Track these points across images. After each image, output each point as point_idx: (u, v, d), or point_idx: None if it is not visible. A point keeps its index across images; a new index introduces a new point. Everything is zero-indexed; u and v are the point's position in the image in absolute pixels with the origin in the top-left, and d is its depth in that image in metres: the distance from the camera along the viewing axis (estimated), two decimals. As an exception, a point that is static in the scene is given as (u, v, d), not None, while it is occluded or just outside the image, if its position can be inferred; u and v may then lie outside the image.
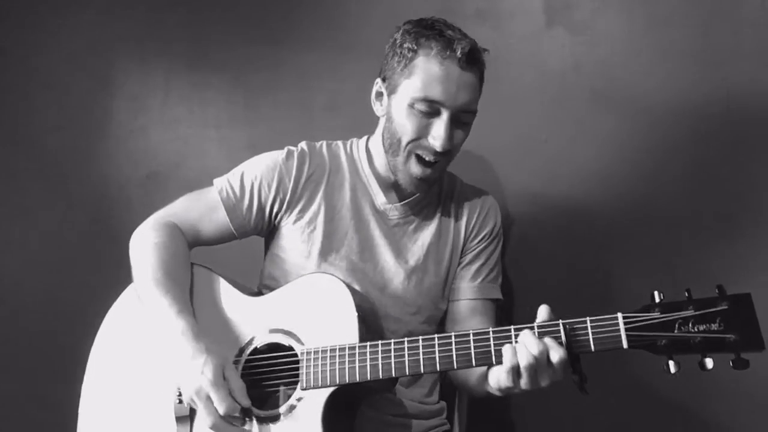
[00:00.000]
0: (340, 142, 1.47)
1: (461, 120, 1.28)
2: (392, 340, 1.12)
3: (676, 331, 0.96)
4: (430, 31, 1.27)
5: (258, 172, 1.38)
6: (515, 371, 1.02)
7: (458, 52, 1.23)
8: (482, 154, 1.74)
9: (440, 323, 1.44)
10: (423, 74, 1.24)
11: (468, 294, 1.41)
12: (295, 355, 1.19)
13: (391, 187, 1.41)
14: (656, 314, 0.97)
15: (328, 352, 1.14)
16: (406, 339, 1.11)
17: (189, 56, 2.09)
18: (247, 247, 1.49)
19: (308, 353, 1.16)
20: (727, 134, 1.56)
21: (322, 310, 1.20)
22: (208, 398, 1.11)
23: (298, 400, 1.15)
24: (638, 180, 1.62)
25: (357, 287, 1.30)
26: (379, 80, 1.36)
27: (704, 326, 0.94)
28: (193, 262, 1.36)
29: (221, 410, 1.10)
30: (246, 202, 1.38)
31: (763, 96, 1.54)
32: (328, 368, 1.13)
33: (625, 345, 0.98)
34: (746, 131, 1.54)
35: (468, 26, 1.33)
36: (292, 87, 1.98)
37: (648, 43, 1.64)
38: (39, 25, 2.21)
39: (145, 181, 2.08)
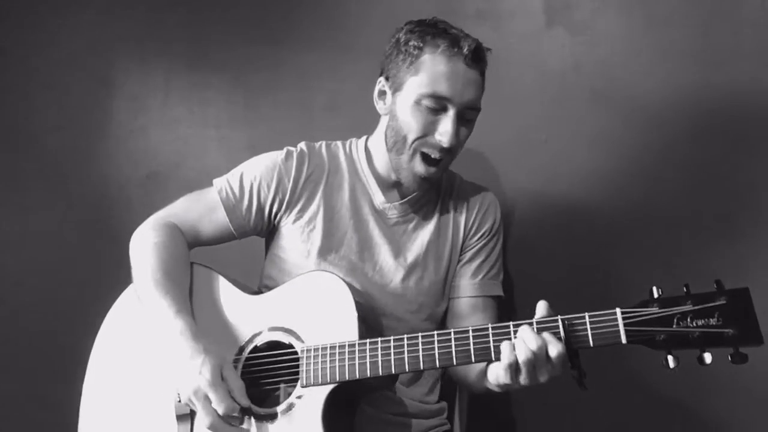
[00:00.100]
0: (339, 143, 1.48)
1: (466, 117, 1.29)
2: (392, 337, 1.12)
3: (674, 326, 0.96)
4: (436, 29, 1.28)
5: (257, 172, 1.39)
6: (514, 367, 1.02)
7: (465, 50, 1.24)
8: (482, 154, 1.75)
9: (441, 321, 1.44)
10: (430, 71, 1.25)
11: (468, 291, 1.41)
12: (295, 352, 1.19)
13: (391, 186, 1.41)
14: (655, 309, 0.97)
15: (328, 349, 1.14)
16: (405, 336, 1.11)
17: (189, 56, 2.09)
18: (247, 247, 1.49)
19: (308, 351, 1.16)
20: (726, 134, 1.56)
21: (322, 308, 1.20)
22: (206, 398, 1.11)
23: (298, 397, 1.15)
24: (638, 179, 1.62)
25: (357, 287, 1.30)
26: (381, 79, 1.36)
27: (703, 321, 0.94)
28: (193, 261, 1.36)
29: (220, 410, 1.10)
30: (245, 202, 1.38)
31: (763, 96, 1.54)
32: (328, 365, 1.13)
33: (623, 340, 0.98)
34: (746, 131, 1.55)
35: (468, 26, 1.33)
36: (292, 87, 1.98)
37: (648, 43, 1.65)
38: (39, 25, 2.21)
39: (145, 181, 2.07)
